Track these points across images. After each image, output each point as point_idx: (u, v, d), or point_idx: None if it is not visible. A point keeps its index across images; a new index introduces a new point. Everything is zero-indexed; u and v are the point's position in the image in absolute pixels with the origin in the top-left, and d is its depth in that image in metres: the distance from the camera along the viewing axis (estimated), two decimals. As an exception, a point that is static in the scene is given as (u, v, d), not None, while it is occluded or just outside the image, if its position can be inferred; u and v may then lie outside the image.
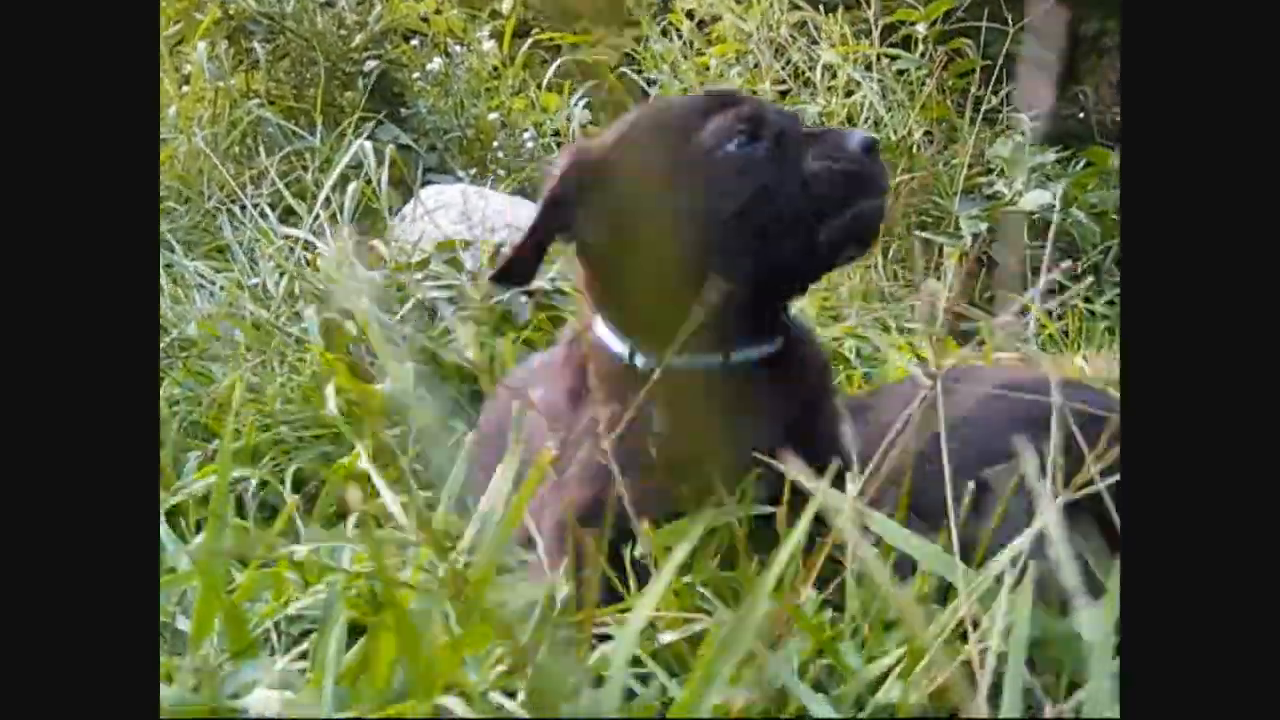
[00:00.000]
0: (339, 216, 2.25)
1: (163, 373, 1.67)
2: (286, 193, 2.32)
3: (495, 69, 3.71)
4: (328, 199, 2.19)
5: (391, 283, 2.05)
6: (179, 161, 2.72)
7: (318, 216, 2.24)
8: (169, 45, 3.24)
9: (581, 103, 3.51)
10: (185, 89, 3.12)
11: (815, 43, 2.99)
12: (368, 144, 2.48)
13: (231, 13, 3.28)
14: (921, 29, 2.73)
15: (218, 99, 3.04)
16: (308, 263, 2.01)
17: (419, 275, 2.03)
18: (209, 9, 3.16)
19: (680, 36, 3.24)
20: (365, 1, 3.49)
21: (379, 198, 2.37)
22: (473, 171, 3.17)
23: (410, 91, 3.40)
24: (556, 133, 3.52)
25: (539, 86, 3.67)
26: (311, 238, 2.10)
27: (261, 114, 2.98)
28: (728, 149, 0.98)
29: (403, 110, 3.33)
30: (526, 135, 3.38)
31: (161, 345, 1.76)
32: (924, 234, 2.57)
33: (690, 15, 3.25)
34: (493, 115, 3.43)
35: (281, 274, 1.97)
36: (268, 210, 2.37)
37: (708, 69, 3.10)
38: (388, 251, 2.18)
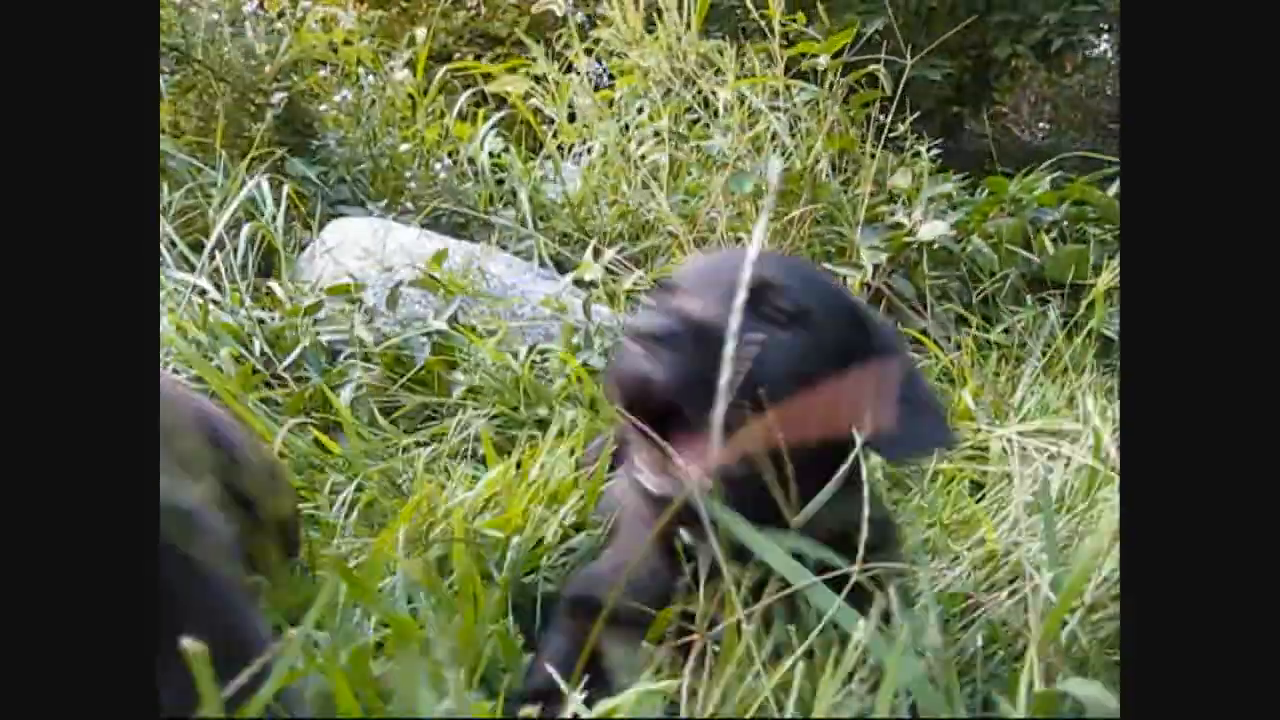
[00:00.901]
0: (233, 257, 2.22)
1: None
2: (176, 237, 2.29)
3: (410, 97, 3.69)
4: (221, 241, 2.17)
5: (286, 325, 2.03)
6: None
7: (213, 258, 2.21)
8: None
9: (493, 133, 3.51)
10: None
11: (721, 72, 3.02)
12: (264, 182, 2.45)
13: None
14: (824, 60, 2.77)
15: (119, 133, 2.98)
16: (200, 309, 1.98)
17: (313, 318, 2.01)
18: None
19: (586, 72, 3.25)
20: (274, 31, 3.46)
21: (277, 236, 2.35)
22: (383, 203, 3.14)
23: (320, 122, 3.37)
24: (470, 160, 3.52)
25: (453, 116, 3.66)
26: (204, 283, 2.07)
27: (164, 148, 2.93)
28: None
29: (313, 142, 3.30)
30: (440, 166, 3.36)
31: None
32: (827, 265, 2.60)
33: (597, 42, 3.27)
34: (405, 146, 3.41)
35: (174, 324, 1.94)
36: (164, 252, 2.33)
37: (612, 104, 3.11)
38: (283, 293, 2.16)
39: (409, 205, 3.16)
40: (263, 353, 1.93)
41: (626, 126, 3.16)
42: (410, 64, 3.77)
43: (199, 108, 3.30)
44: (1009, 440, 1.75)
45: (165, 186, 2.83)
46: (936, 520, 1.52)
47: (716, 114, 3.01)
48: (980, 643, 1.05)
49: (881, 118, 2.90)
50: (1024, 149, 6.08)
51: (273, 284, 2.21)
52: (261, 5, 3.54)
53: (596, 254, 2.56)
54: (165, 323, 1.86)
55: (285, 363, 1.88)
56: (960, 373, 2.17)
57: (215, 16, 3.40)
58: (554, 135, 3.37)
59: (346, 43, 3.56)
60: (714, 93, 3.01)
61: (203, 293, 2.07)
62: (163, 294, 2.10)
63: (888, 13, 3.86)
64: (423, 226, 2.79)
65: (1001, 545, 1.31)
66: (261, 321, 2.01)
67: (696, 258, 1.28)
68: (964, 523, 1.52)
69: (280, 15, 3.56)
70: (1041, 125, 8.04)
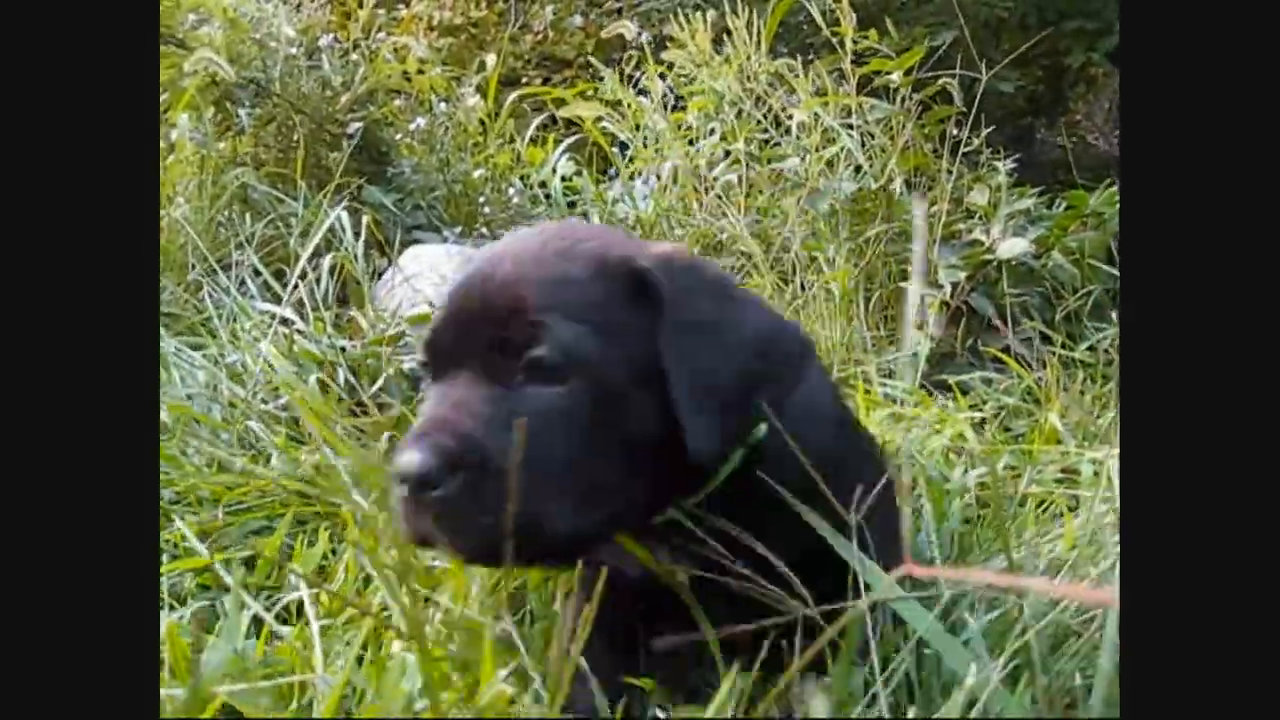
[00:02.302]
0: (315, 286, 2.26)
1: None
2: (261, 267, 2.34)
3: (481, 123, 3.74)
4: (304, 272, 2.21)
5: (369, 354, 2.06)
6: (162, 233, 2.74)
7: (296, 288, 2.25)
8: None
9: (564, 157, 3.54)
10: (171, 158, 3.15)
11: (793, 92, 3.01)
12: (344, 214, 2.50)
13: (217, 79, 3.31)
14: (896, 77, 2.74)
15: (204, 166, 3.06)
16: (286, 339, 2.02)
17: (393, 347, 2.04)
18: (194, 77, 3.20)
19: (658, 93, 3.26)
20: (349, 63, 3.53)
21: (356, 265, 2.39)
22: (458, 229, 3.18)
23: (395, 150, 3.43)
24: (542, 184, 3.55)
25: (524, 140, 3.70)
26: (288, 312, 2.11)
27: (246, 180, 3.01)
28: None
29: (389, 170, 3.36)
30: (512, 190, 3.40)
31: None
32: (904, 284, 2.57)
33: (671, 66, 3.28)
34: (478, 171, 3.46)
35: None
36: (248, 280, 2.39)
37: (686, 126, 3.12)
38: (365, 322, 2.19)
39: (484, 230, 3.20)
40: (346, 380, 1.96)
41: (692, 142, 3.16)
42: (480, 89, 3.82)
43: (278, 140, 3.38)
44: (1098, 462, 1.70)
45: (248, 217, 2.90)
46: (1019, 546, 1.49)
47: (788, 133, 3.00)
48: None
49: (955, 132, 2.86)
50: (1100, 157, 5.96)
51: (354, 312, 2.25)
52: (336, 38, 3.62)
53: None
54: (264, 349, 1.90)
55: (370, 390, 1.91)
56: (1045, 393, 2.12)
57: (293, 50, 3.48)
58: (629, 160, 3.38)
59: (419, 71, 3.62)
60: (784, 111, 3.01)
61: (287, 322, 2.11)
62: (248, 324, 2.14)
63: (959, 25, 3.81)
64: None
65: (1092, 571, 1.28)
66: (343, 349, 2.04)
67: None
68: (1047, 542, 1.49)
69: (355, 47, 3.64)
70: (1118, 133, 7.87)
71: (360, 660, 0.98)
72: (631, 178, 3.51)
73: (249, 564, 1.41)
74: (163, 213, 2.85)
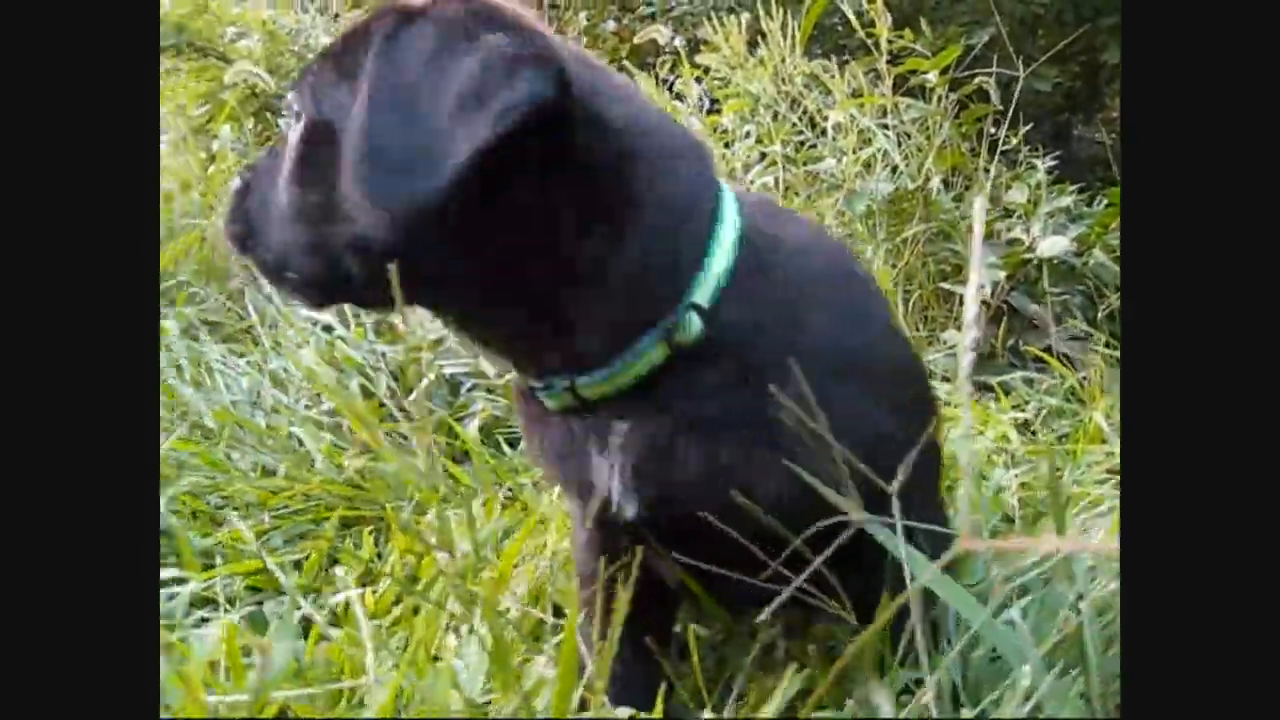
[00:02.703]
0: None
1: (182, 462, 1.71)
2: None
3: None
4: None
5: (410, 359, 2.07)
6: (205, 243, 2.78)
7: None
8: (195, 126, 3.32)
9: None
10: (212, 168, 3.19)
11: (829, 92, 2.99)
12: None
13: (256, 90, 3.36)
14: (932, 77, 2.73)
15: (244, 176, 3.10)
16: (328, 344, 2.04)
17: (434, 352, 2.05)
18: (234, 89, 3.24)
19: (695, 97, 3.26)
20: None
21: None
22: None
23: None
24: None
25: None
26: (329, 318, 2.13)
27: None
28: None
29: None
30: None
31: (182, 432, 1.80)
32: (944, 284, 2.55)
33: (707, 71, 3.27)
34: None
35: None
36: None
37: (722, 129, 3.11)
38: (405, 327, 2.21)
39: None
40: (388, 386, 1.98)
41: (728, 145, 3.15)
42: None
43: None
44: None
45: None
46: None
47: (824, 134, 2.99)
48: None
49: (993, 131, 2.84)
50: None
51: (394, 318, 2.26)
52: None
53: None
54: (307, 356, 1.93)
55: (411, 396, 1.93)
56: (1090, 392, 2.10)
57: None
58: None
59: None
60: (819, 113, 2.99)
61: (328, 328, 2.13)
62: (291, 331, 2.17)
63: (995, 23, 3.78)
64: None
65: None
66: (384, 355, 2.06)
67: None
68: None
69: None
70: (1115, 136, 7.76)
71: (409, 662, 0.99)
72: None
73: (295, 566, 1.43)
74: (205, 222, 2.89)
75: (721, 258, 0.88)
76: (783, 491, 0.88)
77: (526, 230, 0.83)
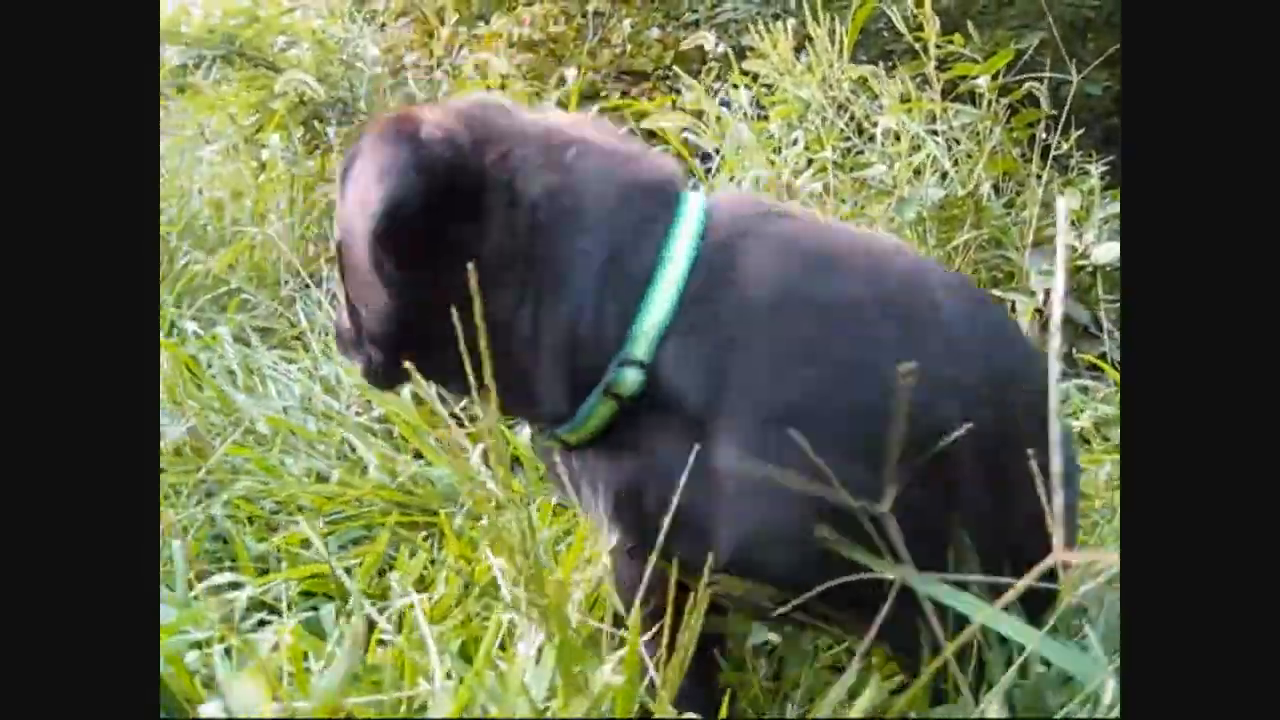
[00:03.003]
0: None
1: (236, 467, 1.72)
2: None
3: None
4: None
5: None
6: (256, 250, 2.82)
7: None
8: (246, 135, 3.37)
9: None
10: (262, 176, 3.23)
11: (877, 98, 2.97)
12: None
13: (305, 99, 3.40)
14: (983, 82, 2.70)
15: (294, 184, 3.14)
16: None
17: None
18: (284, 98, 3.28)
19: (743, 103, 3.25)
20: (432, 80, 3.59)
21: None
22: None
23: (479, 165, 3.47)
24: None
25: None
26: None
27: (335, 197, 3.07)
28: None
29: (472, 184, 3.39)
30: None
31: (235, 437, 1.81)
32: (995, 290, 2.52)
33: (756, 78, 3.27)
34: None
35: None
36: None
37: (769, 135, 3.10)
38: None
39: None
40: (438, 391, 1.98)
41: (776, 151, 3.14)
42: (562, 103, 3.85)
43: (365, 156, 3.45)
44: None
45: (337, 233, 2.96)
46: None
47: (872, 140, 2.97)
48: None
49: (1044, 136, 2.80)
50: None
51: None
52: (420, 57, 3.68)
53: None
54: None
55: (461, 402, 1.93)
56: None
57: (378, 70, 3.55)
58: (712, 172, 3.37)
59: (501, 86, 3.66)
60: (868, 119, 2.97)
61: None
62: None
63: (1045, 26, 3.74)
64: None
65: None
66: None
67: None
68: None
69: (438, 64, 3.70)
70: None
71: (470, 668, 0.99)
72: (714, 189, 3.51)
73: (348, 572, 1.43)
74: (255, 229, 2.92)
75: (659, 308, 0.90)
76: (746, 540, 0.89)
77: (471, 304, 0.85)
